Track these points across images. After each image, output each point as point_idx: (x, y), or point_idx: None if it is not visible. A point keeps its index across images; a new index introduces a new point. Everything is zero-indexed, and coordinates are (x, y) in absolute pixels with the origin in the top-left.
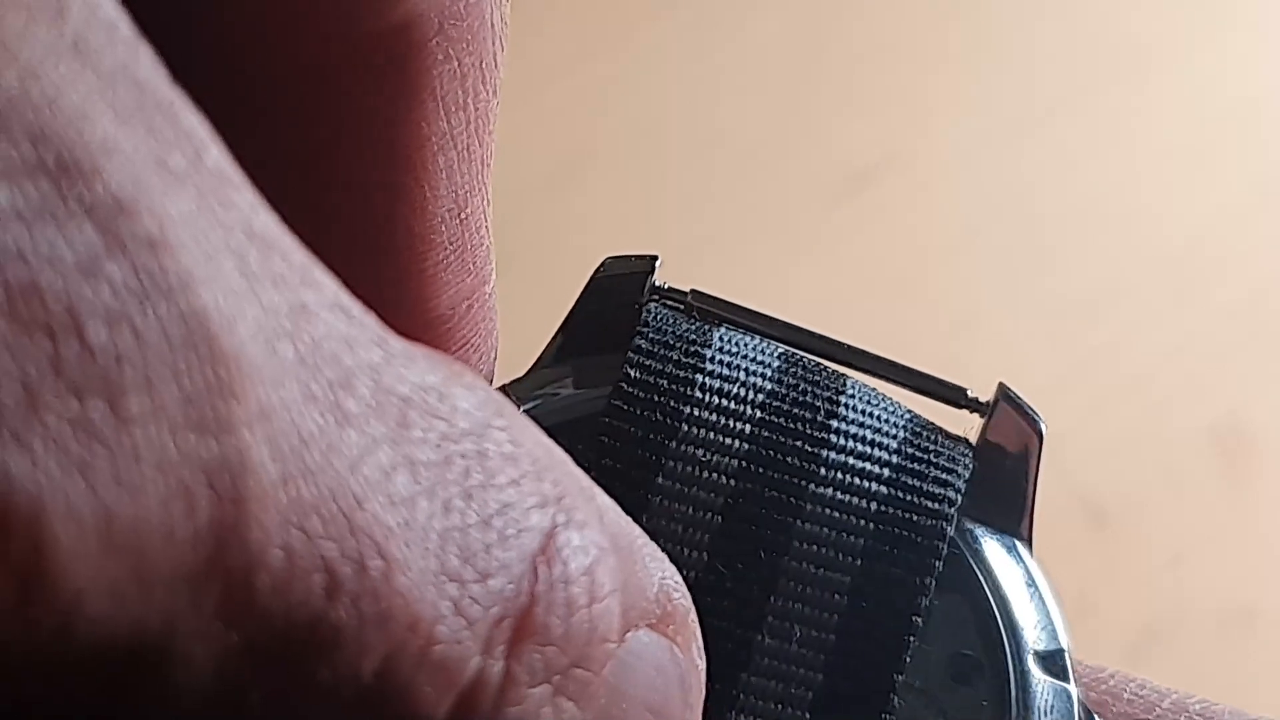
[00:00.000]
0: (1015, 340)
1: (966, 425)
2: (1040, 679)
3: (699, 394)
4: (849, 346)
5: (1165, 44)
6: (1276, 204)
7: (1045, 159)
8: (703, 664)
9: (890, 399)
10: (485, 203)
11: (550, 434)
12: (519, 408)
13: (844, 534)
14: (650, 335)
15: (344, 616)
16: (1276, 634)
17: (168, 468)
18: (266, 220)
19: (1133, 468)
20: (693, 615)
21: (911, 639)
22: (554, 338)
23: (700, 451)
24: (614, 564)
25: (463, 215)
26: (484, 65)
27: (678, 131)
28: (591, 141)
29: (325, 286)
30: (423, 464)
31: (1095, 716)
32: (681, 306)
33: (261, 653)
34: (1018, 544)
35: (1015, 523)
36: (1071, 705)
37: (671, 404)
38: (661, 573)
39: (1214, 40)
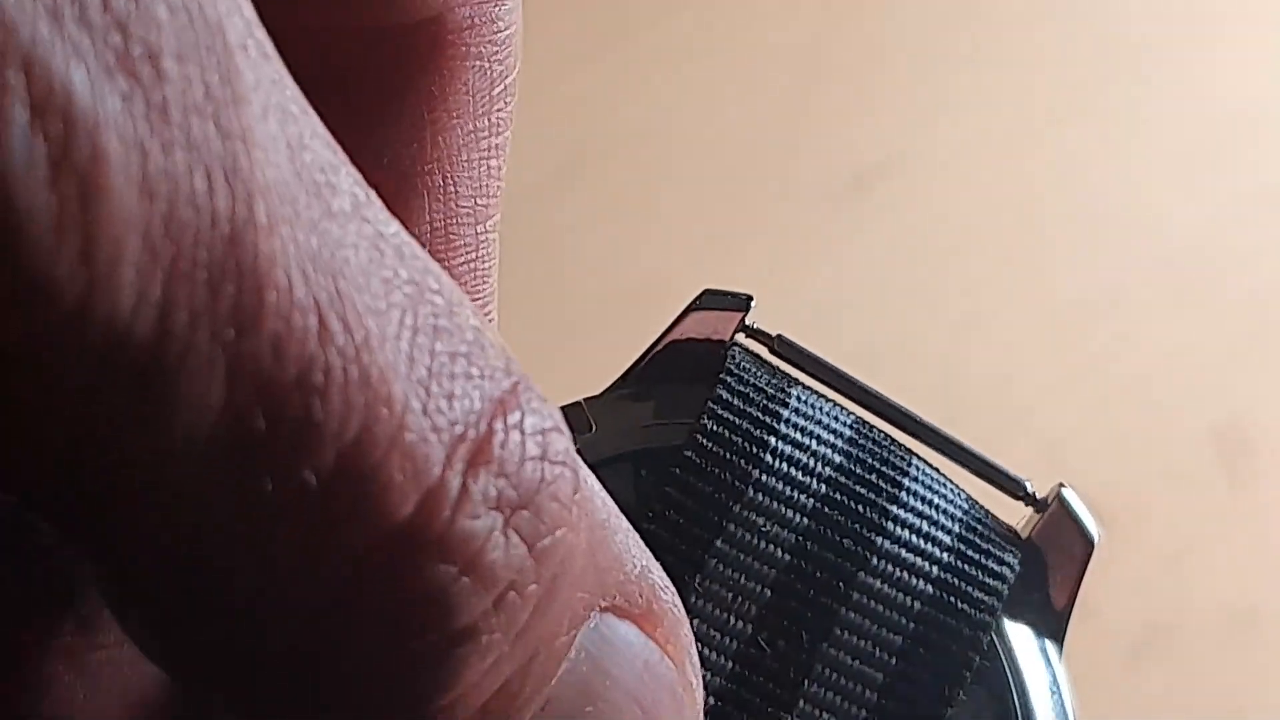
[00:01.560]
0: (1018, 341)
1: (1022, 514)
2: None
3: (770, 458)
4: (919, 421)
5: (1168, 46)
6: (1279, 206)
7: (1049, 160)
8: (698, 682)
9: (951, 485)
10: (496, 230)
11: (626, 460)
12: (593, 428)
13: (885, 629)
14: (731, 385)
15: (333, 362)
16: (1278, 635)
17: (192, 137)
18: (295, 89)
19: (1135, 469)
20: (685, 629)
21: None
22: (639, 361)
23: (762, 521)
24: (567, 445)
25: (479, 228)
26: (505, 73)
27: (681, 132)
28: (595, 142)
29: (338, 150)
30: (398, 286)
31: None
32: (766, 349)
33: (265, 376)
34: (1049, 647)
35: (1052, 622)
36: None
37: (743, 464)
38: (644, 561)
39: (1217, 42)
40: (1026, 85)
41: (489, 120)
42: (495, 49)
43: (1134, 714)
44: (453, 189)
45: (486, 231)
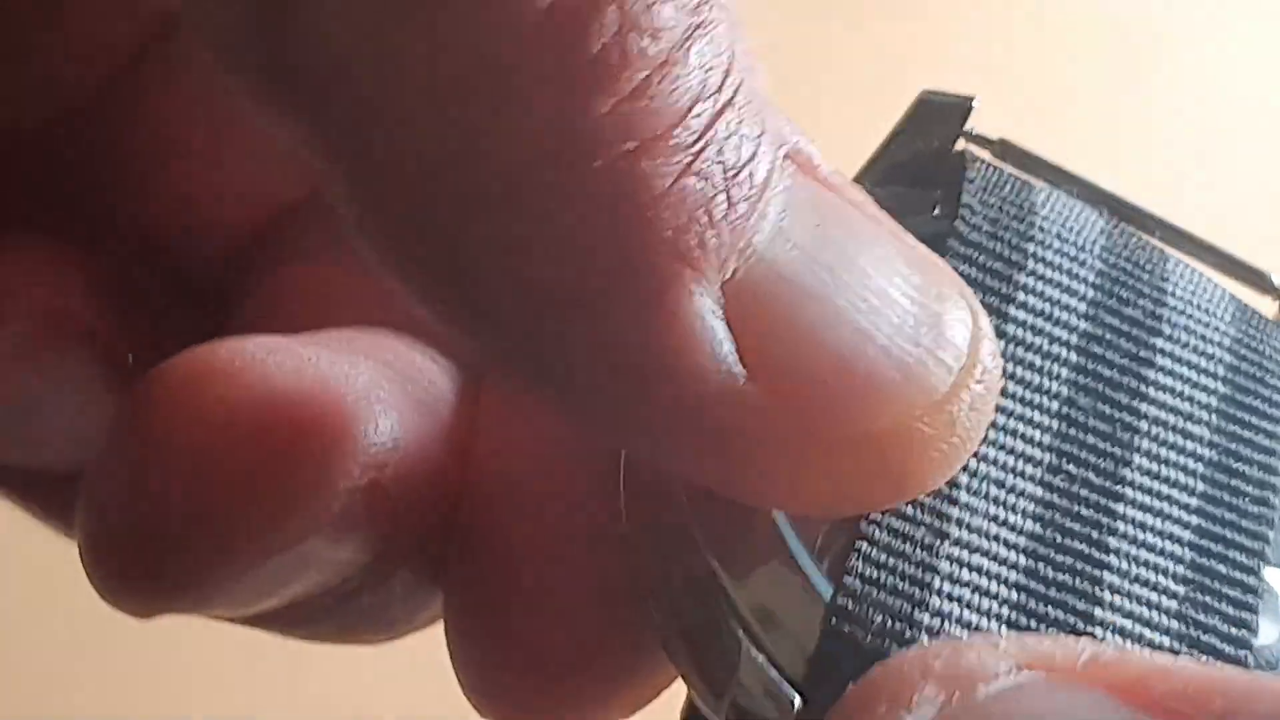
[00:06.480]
0: None
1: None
2: None
3: (1033, 263)
4: (1156, 218)
5: (1174, 39)
6: None
7: (1052, 155)
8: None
9: (1207, 276)
10: None
11: None
12: None
13: (1193, 402)
14: (977, 193)
15: None
16: None
17: None
18: None
19: None
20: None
21: (1274, 500)
22: (870, 163)
23: (1041, 316)
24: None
25: None
26: None
27: None
28: None
29: None
30: None
31: None
32: (990, 152)
33: None
34: None
35: None
36: None
37: (1005, 270)
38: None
39: (1224, 34)
40: (1031, 79)
41: None
42: None
43: None
44: None
45: None
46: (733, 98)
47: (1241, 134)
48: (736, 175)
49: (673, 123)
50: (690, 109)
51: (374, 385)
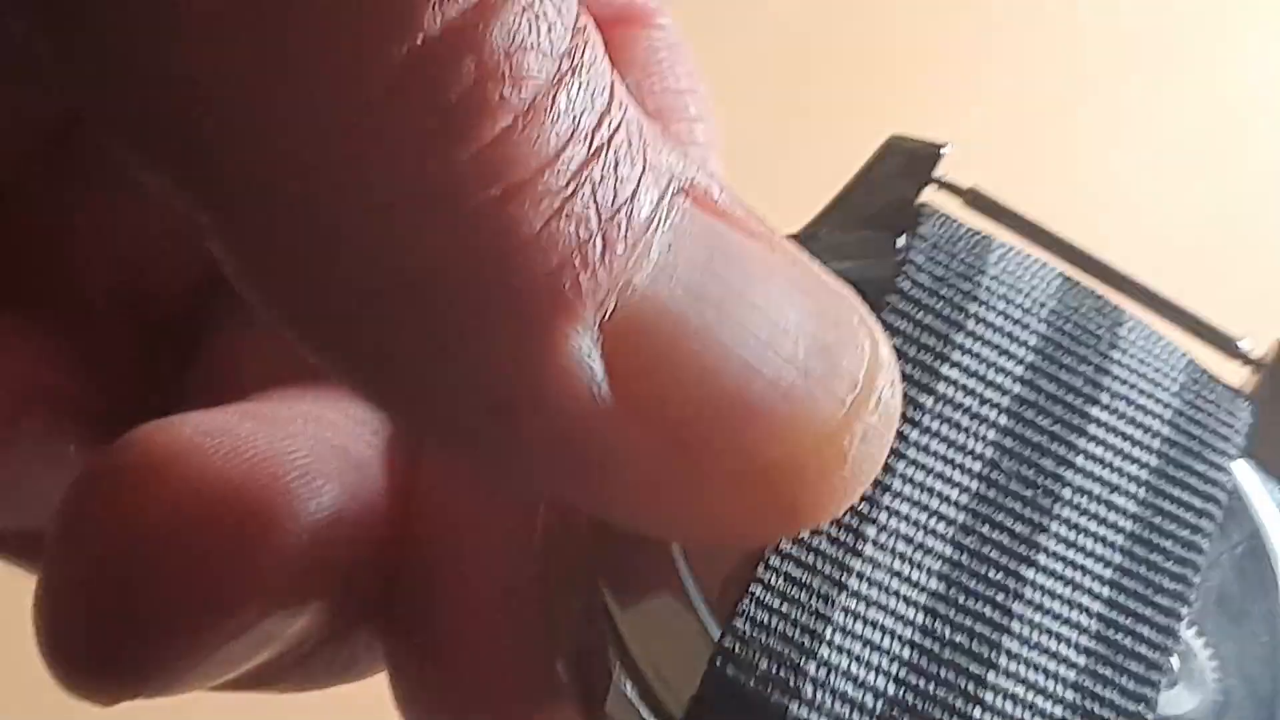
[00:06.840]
0: None
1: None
2: None
3: (972, 323)
4: (1122, 275)
5: (1179, 36)
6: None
7: (1056, 152)
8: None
9: (1165, 339)
10: None
11: None
12: None
13: (1123, 472)
14: (925, 249)
15: None
16: None
17: None
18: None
19: None
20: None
21: (1194, 576)
22: (833, 205)
23: (974, 377)
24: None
25: None
26: None
27: None
28: None
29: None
30: None
31: None
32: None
33: None
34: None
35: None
36: None
37: (943, 329)
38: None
39: (1226, 33)
40: (1035, 76)
41: None
42: None
43: None
44: None
45: None
46: (611, 137)
47: (1245, 127)
48: (615, 216)
49: (541, 167)
50: (560, 152)
51: (312, 457)
